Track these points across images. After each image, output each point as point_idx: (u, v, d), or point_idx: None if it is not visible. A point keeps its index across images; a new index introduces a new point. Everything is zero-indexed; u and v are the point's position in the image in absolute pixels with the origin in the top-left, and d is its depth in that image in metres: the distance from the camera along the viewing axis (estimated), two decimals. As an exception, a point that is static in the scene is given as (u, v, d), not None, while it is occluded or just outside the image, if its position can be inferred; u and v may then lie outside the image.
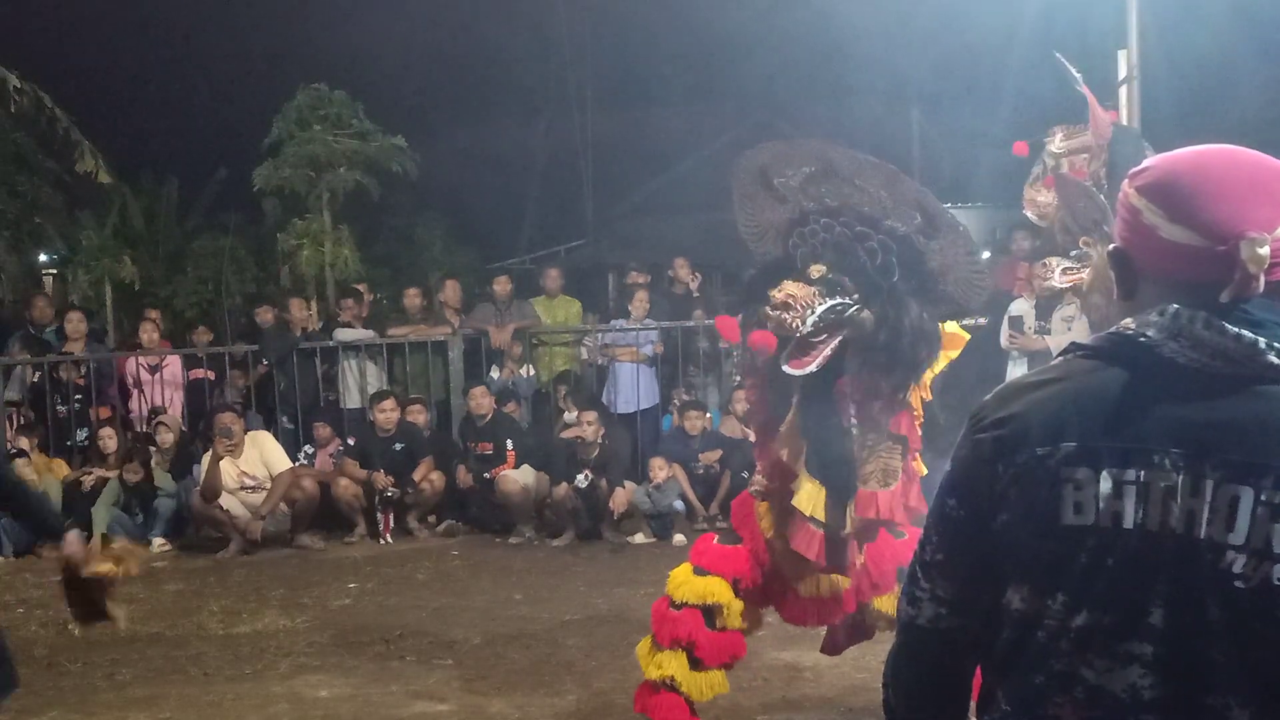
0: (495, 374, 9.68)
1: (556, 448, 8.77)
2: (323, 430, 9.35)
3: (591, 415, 8.54)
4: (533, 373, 9.89)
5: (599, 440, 8.44)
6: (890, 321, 3.54)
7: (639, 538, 8.32)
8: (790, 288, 3.57)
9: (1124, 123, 7.43)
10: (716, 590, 3.94)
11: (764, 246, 3.91)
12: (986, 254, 15.19)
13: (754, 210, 3.90)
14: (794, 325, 3.52)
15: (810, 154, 3.76)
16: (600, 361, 10.01)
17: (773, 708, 4.76)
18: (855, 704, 4.83)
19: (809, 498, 3.68)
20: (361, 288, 10.97)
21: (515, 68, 18.48)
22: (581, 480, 8.31)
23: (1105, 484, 1.49)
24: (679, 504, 8.41)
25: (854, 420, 3.69)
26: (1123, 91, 7.93)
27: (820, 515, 3.68)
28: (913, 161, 19.98)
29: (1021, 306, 8.33)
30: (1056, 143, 6.14)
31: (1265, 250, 1.47)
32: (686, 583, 4.02)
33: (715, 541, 4.11)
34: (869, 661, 5.34)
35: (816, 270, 3.62)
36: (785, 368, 3.58)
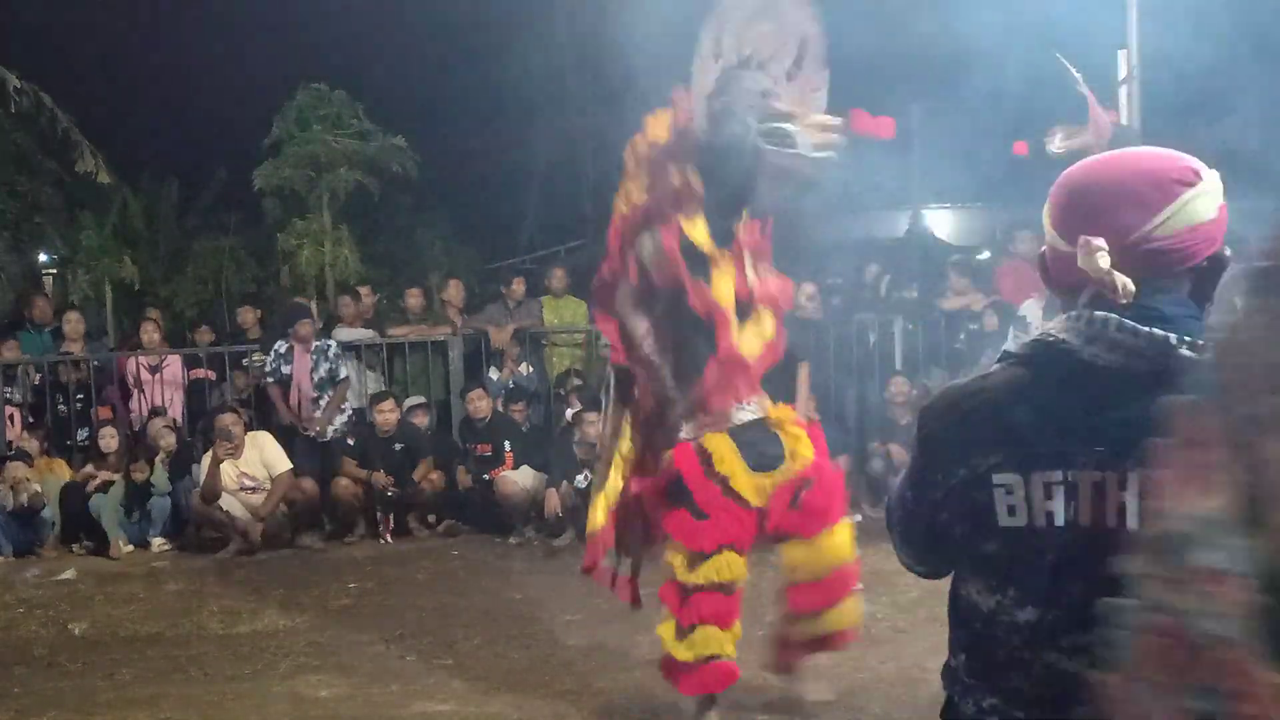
0: (494, 374, 9.68)
1: (557, 447, 8.75)
2: (304, 329, 9.18)
3: (593, 415, 8.53)
4: (531, 371, 9.87)
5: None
6: None
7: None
8: None
9: (1124, 123, 7.44)
10: (723, 567, 4.24)
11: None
12: (986, 254, 15.21)
13: (700, 73, 4.33)
14: None
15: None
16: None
17: (773, 708, 4.76)
18: (856, 704, 4.83)
19: None
20: (364, 290, 10.89)
21: (515, 68, 18.45)
22: (581, 480, 8.31)
23: (1035, 487, 1.56)
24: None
25: None
26: (1123, 91, 7.93)
27: None
28: (912, 161, 19.96)
29: (1030, 308, 8.31)
30: (1056, 143, 6.13)
31: (1099, 257, 1.53)
32: (693, 569, 4.20)
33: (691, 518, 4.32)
34: (869, 661, 5.34)
35: None
36: None
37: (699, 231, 4.24)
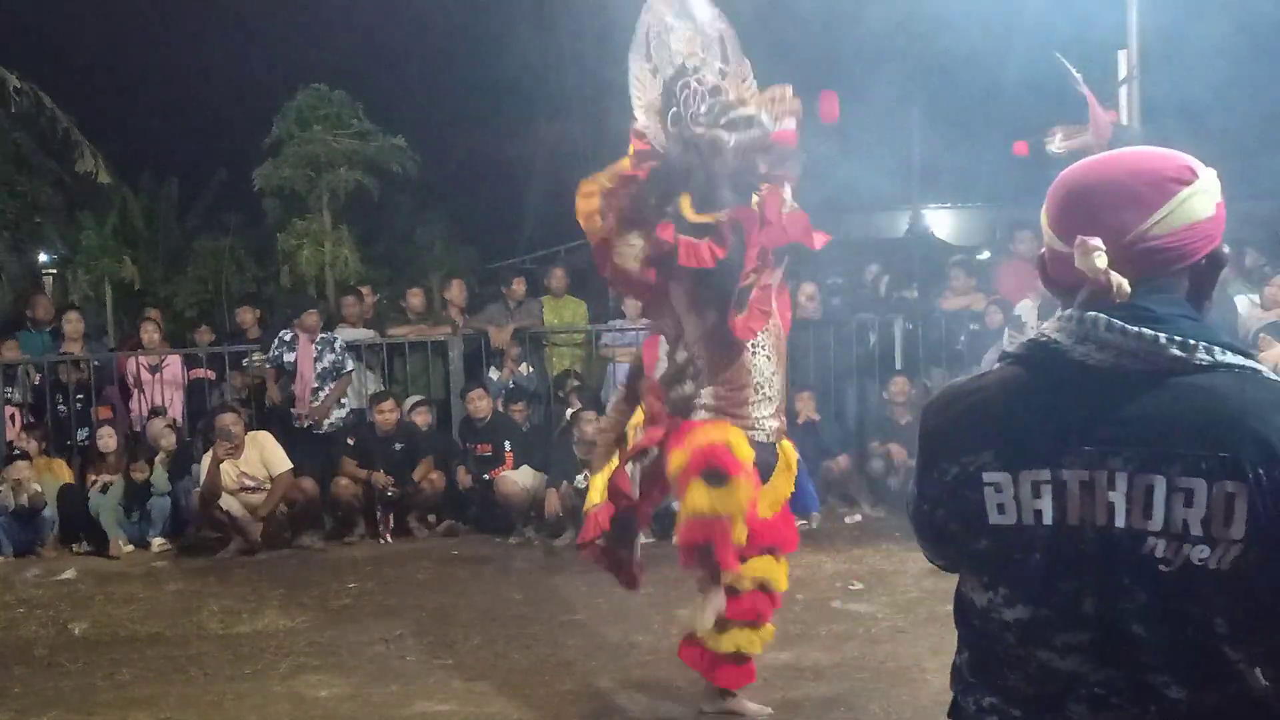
0: (494, 374, 9.67)
1: (557, 447, 8.75)
2: (310, 318, 9.23)
3: (591, 414, 8.54)
4: (531, 371, 9.87)
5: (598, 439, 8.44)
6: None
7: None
8: None
9: (1124, 123, 7.45)
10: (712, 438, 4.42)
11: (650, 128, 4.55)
12: (986, 254, 15.21)
13: (641, 91, 4.52)
14: None
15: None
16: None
17: (773, 707, 4.76)
18: (856, 704, 4.83)
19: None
20: (365, 290, 10.91)
21: (515, 68, 18.50)
22: (581, 480, 8.31)
23: (1023, 486, 1.57)
24: (678, 504, 8.39)
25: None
26: (1123, 91, 7.95)
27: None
28: (913, 161, 19.96)
29: (1025, 308, 8.29)
30: (1056, 143, 6.15)
31: (1096, 257, 1.53)
32: (701, 497, 4.45)
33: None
34: (869, 662, 5.34)
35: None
36: None
37: (689, 208, 4.37)
